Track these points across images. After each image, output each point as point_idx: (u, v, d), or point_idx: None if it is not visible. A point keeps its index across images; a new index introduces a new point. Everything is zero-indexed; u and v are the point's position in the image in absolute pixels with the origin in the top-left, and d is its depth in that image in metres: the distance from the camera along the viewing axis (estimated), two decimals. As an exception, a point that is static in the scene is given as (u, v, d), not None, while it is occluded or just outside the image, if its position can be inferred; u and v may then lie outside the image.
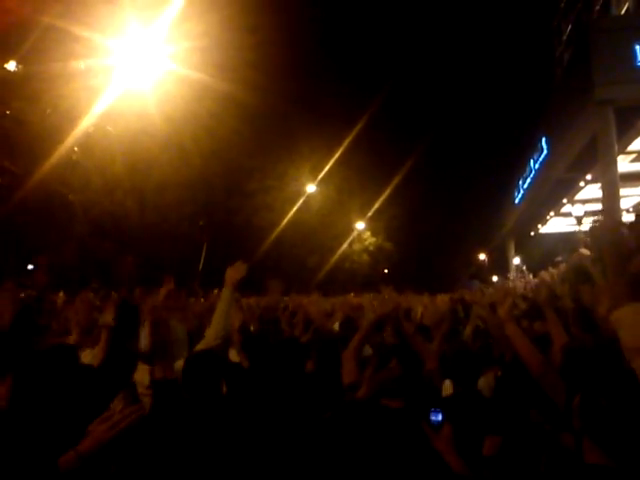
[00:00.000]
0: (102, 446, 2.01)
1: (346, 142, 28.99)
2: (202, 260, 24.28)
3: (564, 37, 39.86)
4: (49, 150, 15.37)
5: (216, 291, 8.33)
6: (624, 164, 13.62)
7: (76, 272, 18.46)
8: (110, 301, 3.73)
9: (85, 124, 15.82)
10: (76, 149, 17.05)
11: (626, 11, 25.43)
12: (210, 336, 3.61)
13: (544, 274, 12.50)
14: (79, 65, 15.20)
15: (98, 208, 18.17)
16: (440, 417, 2.49)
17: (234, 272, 3.78)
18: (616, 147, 11.97)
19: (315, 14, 28.21)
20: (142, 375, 3.59)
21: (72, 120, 15.69)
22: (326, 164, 30.13)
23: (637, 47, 11.69)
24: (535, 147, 18.87)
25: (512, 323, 2.86)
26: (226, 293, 3.72)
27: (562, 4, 40.68)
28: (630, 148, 13.22)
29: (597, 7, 31.23)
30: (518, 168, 24.09)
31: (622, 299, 2.02)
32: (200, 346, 3.59)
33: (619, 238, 2.69)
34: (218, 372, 2.97)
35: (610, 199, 11.88)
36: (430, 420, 2.50)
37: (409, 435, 2.47)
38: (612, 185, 11.92)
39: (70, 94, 15.51)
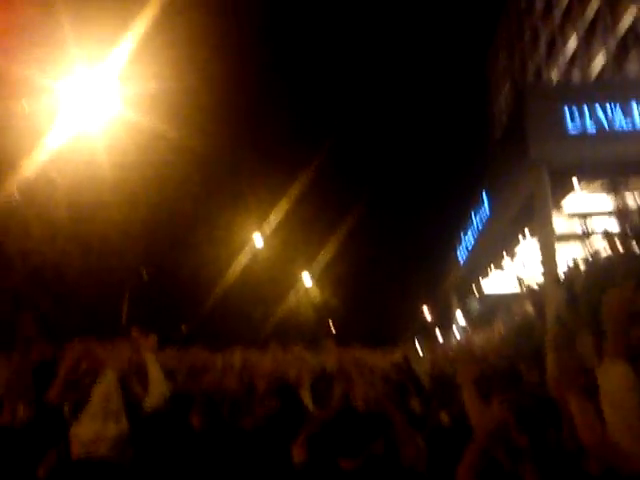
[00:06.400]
0: None
1: (292, 195, 29.18)
2: (125, 312, 22.16)
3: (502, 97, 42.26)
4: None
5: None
6: (560, 220, 14.30)
7: (10, 326, 17.29)
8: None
9: (27, 169, 15.20)
10: (16, 195, 16.34)
11: (557, 75, 27.36)
12: (154, 396, 3.85)
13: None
14: (21, 106, 14.65)
15: (38, 257, 17.30)
16: None
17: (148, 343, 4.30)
18: (551, 205, 12.62)
19: (267, 62, 28.72)
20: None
21: (12, 164, 15.05)
22: (272, 216, 30.14)
23: (567, 113, 12.56)
24: (477, 201, 19.58)
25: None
26: (150, 359, 4.10)
27: (501, 67, 43.31)
28: (564, 206, 13.95)
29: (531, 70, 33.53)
30: (461, 222, 24.83)
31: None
32: (148, 404, 3.79)
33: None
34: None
35: (547, 254, 12.41)
36: None
37: None
38: (548, 240, 12.50)
39: (10, 137, 14.92)
